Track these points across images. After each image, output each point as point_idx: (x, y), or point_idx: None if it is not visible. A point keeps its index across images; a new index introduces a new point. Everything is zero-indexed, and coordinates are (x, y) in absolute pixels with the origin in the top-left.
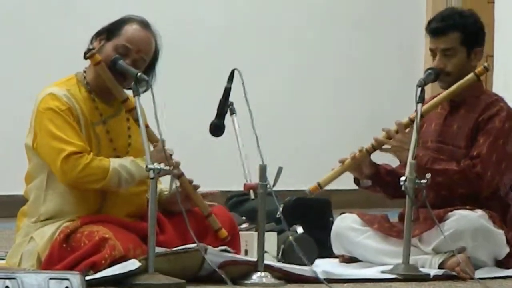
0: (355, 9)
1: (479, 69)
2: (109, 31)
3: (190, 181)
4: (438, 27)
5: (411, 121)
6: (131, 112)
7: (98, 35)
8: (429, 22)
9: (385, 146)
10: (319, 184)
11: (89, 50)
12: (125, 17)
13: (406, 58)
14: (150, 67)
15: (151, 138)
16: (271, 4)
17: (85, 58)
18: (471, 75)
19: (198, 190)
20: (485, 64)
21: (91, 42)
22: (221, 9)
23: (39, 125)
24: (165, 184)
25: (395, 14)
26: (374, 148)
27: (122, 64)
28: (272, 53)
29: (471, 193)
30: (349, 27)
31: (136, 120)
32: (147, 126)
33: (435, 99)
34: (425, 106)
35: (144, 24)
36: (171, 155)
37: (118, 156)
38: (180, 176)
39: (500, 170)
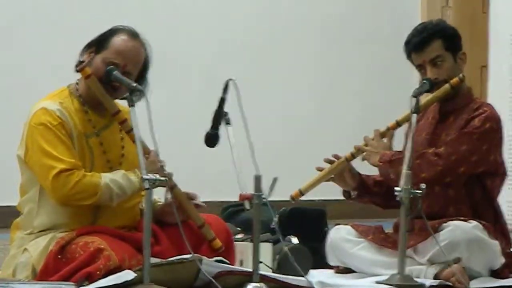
0: (350, 20)
1: (454, 80)
2: (98, 44)
3: (186, 194)
4: (420, 40)
5: (388, 129)
6: (123, 124)
7: (88, 47)
8: (407, 42)
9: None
10: (300, 191)
11: (80, 62)
12: (113, 28)
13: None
14: (141, 77)
15: (144, 149)
16: (267, 14)
17: (76, 71)
18: (446, 85)
19: (194, 200)
20: (461, 75)
21: (81, 54)
22: (218, 19)
23: (30, 140)
24: (157, 195)
25: (389, 24)
26: (353, 156)
27: (117, 75)
28: (268, 62)
29: (433, 178)
30: (344, 38)
31: (128, 133)
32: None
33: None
34: (401, 117)
35: (133, 35)
36: (162, 166)
37: (111, 168)
38: (173, 187)
39: (470, 162)
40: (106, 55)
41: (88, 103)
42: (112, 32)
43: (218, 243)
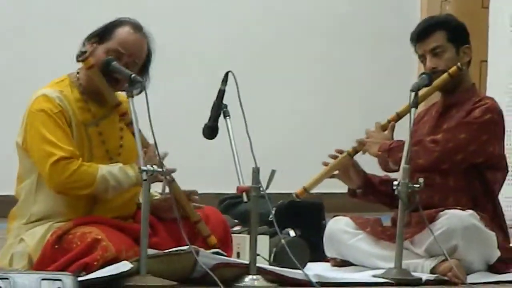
0: (351, 17)
1: (452, 68)
2: (101, 34)
3: (186, 192)
4: (423, 29)
5: (389, 121)
6: (124, 117)
7: (90, 38)
8: (413, 32)
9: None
10: (305, 188)
11: (81, 52)
12: (117, 19)
13: (402, 65)
14: (143, 69)
15: (142, 142)
16: (268, 9)
17: (78, 61)
18: (444, 75)
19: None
20: (459, 64)
21: (84, 44)
22: (218, 12)
23: (30, 126)
24: (153, 189)
25: (390, 22)
26: (356, 150)
27: (116, 65)
28: (269, 56)
29: (430, 164)
30: (345, 35)
31: (129, 125)
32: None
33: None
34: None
35: (136, 27)
36: (161, 162)
37: (111, 158)
38: (170, 182)
39: (467, 151)
40: (109, 45)
41: (88, 93)
42: (116, 23)
43: (213, 239)
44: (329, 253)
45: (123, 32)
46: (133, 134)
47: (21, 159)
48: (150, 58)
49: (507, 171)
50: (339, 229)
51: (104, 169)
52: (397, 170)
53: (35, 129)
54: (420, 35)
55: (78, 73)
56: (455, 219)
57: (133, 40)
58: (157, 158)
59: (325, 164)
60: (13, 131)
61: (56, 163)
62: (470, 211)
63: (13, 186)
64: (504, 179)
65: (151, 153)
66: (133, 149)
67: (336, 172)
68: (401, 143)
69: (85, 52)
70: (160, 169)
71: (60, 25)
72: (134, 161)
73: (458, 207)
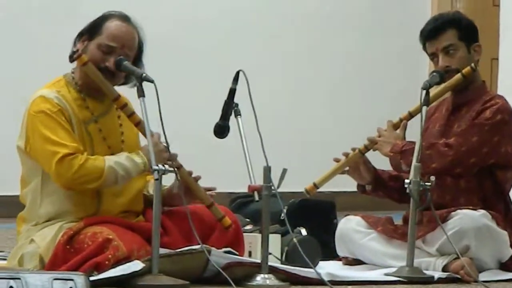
0: (360, 11)
1: (466, 69)
2: (90, 31)
3: (190, 173)
4: (434, 27)
5: (401, 120)
6: (124, 109)
7: (80, 36)
8: (423, 30)
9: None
10: (315, 184)
11: (73, 52)
12: (104, 14)
13: (411, 60)
14: (136, 61)
15: (145, 132)
16: (276, 5)
17: (71, 61)
18: (458, 75)
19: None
20: (472, 64)
21: (74, 44)
22: (227, 9)
23: (31, 129)
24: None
25: (401, 17)
26: (367, 148)
27: (127, 65)
28: (277, 54)
29: (443, 168)
30: (354, 30)
31: (130, 117)
32: (139, 122)
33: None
34: (413, 108)
35: (125, 19)
36: (167, 147)
37: (112, 154)
38: (179, 167)
39: (480, 154)
40: (100, 40)
41: (85, 90)
42: (104, 18)
43: (227, 221)
44: (341, 252)
45: (112, 25)
46: (136, 125)
47: (23, 162)
48: (142, 49)
49: None
50: (351, 228)
51: (111, 160)
52: (409, 172)
53: (37, 132)
54: (431, 34)
55: (73, 72)
56: (467, 219)
57: (123, 31)
58: (161, 144)
59: (336, 160)
60: (18, 130)
61: (62, 160)
62: (482, 211)
63: (18, 186)
64: None
65: (155, 140)
66: (134, 144)
67: (347, 168)
68: (413, 146)
69: (76, 51)
70: (170, 169)
71: (59, 23)
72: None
73: (470, 207)
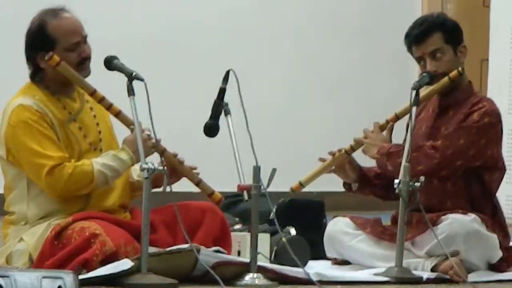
0: (353, 13)
1: (453, 73)
2: (43, 44)
3: (175, 155)
4: (420, 32)
5: (387, 122)
6: (102, 102)
7: (35, 53)
8: (408, 34)
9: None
10: (300, 183)
11: (33, 70)
12: (40, 22)
13: (402, 62)
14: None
15: (126, 122)
16: (270, 5)
17: (31, 77)
18: (445, 79)
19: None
20: (460, 68)
21: (30, 63)
22: (219, 9)
23: (12, 140)
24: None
25: (391, 18)
26: (353, 149)
27: (118, 63)
28: (268, 54)
29: (430, 170)
30: (347, 32)
31: (108, 109)
32: (119, 113)
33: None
34: (400, 110)
35: (59, 10)
36: (148, 135)
37: (94, 149)
38: (163, 151)
39: (467, 156)
40: (63, 44)
41: (57, 91)
42: (42, 26)
43: (217, 195)
44: (329, 254)
45: (58, 23)
46: (116, 116)
47: (5, 171)
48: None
49: (505, 170)
50: (339, 230)
51: (98, 163)
52: (396, 174)
53: (20, 143)
54: (417, 38)
55: (39, 80)
56: (456, 224)
57: (71, 20)
58: (144, 132)
59: (322, 160)
60: None
61: (50, 172)
62: (473, 215)
63: None
64: (502, 177)
65: (135, 131)
66: (111, 139)
67: (333, 167)
68: (400, 148)
69: (36, 68)
70: (160, 168)
71: None
72: (118, 146)
73: (459, 210)
